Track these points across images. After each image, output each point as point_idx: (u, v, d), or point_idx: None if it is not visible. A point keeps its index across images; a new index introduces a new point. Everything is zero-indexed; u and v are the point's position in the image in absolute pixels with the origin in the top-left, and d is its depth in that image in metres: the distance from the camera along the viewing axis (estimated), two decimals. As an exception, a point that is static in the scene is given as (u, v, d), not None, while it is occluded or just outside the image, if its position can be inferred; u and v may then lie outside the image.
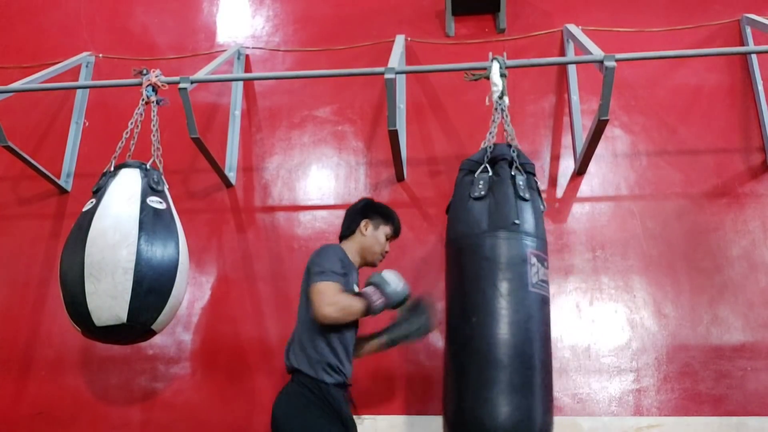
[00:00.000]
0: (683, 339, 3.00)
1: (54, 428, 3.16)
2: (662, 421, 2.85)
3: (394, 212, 2.60)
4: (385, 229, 2.54)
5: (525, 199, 2.40)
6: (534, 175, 2.54)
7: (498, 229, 2.35)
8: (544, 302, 2.35)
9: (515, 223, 2.33)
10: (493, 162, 2.51)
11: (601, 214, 3.27)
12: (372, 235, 2.51)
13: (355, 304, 2.25)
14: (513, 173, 2.45)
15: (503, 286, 2.27)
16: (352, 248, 2.50)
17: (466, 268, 2.41)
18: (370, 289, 2.30)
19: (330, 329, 2.28)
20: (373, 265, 2.54)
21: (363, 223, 2.51)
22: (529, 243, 2.34)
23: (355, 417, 2.90)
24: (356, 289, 2.39)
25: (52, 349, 3.29)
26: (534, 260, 2.33)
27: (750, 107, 3.40)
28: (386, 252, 2.57)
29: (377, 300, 2.28)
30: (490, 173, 2.48)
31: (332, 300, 2.19)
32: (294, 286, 3.17)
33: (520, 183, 2.43)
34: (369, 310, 2.27)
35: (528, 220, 2.37)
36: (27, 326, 3.35)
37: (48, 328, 3.32)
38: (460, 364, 2.32)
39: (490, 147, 2.55)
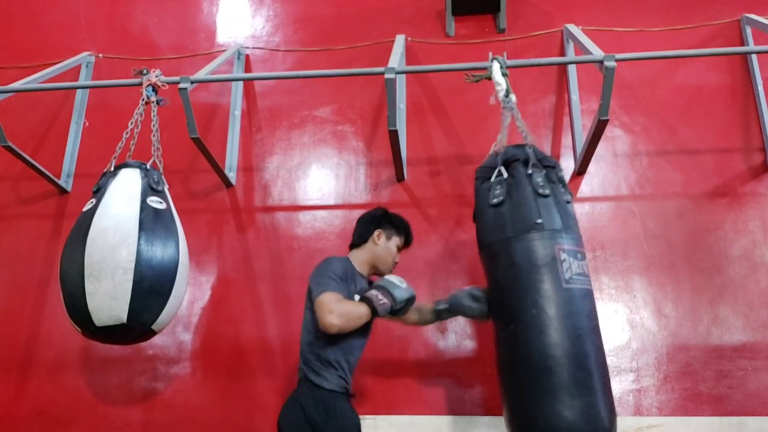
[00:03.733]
0: (683, 339, 3.00)
1: (54, 428, 3.16)
2: (662, 421, 2.85)
3: (407, 223, 2.61)
4: (397, 240, 2.54)
5: (545, 196, 2.36)
6: (554, 167, 2.49)
7: (520, 232, 2.32)
8: (584, 296, 2.29)
9: (538, 223, 2.30)
10: (507, 164, 2.48)
11: (602, 214, 3.27)
12: (384, 245, 2.50)
13: (357, 308, 2.25)
14: (530, 171, 2.41)
15: (536, 289, 2.24)
16: (362, 257, 2.50)
17: (497, 275, 2.39)
18: (372, 292, 2.29)
19: (336, 338, 2.28)
20: (381, 275, 2.52)
21: (376, 233, 2.51)
22: (557, 239, 2.29)
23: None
24: (356, 299, 2.38)
25: (52, 350, 3.29)
26: (564, 255, 2.28)
27: (750, 107, 3.40)
28: (396, 263, 2.56)
29: (381, 301, 2.26)
30: (506, 176, 2.45)
31: (331, 308, 2.18)
32: (294, 286, 3.19)
33: (539, 180, 2.39)
34: (374, 313, 2.26)
35: (551, 217, 2.33)
36: (27, 326, 3.35)
37: (48, 328, 3.32)
38: (513, 373, 2.28)
39: (501, 150, 2.53)
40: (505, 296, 2.32)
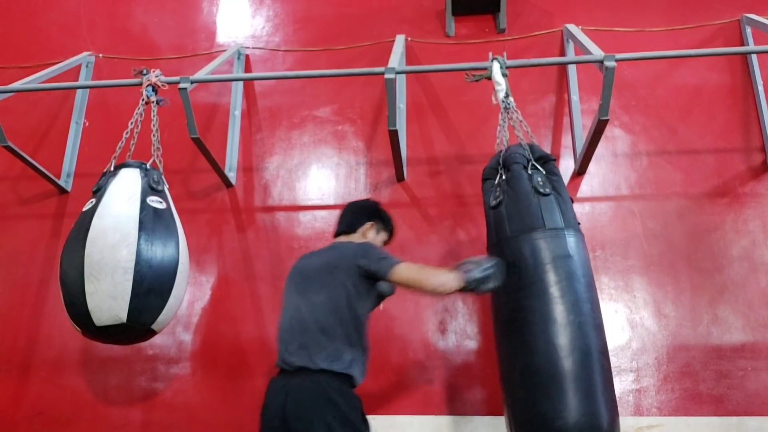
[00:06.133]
0: (683, 339, 3.00)
1: (54, 428, 3.15)
2: (662, 421, 2.85)
3: (391, 218, 2.58)
4: (383, 235, 2.52)
5: (546, 194, 2.36)
6: (553, 166, 2.49)
7: (521, 232, 2.32)
8: (588, 296, 2.28)
9: (540, 223, 2.29)
10: (507, 165, 2.49)
11: (602, 214, 3.27)
12: (373, 239, 2.47)
13: (448, 277, 2.13)
14: (530, 171, 2.42)
15: (537, 289, 2.24)
16: None
17: None
18: (468, 266, 2.15)
19: (361, 324, 2.22)
20: None
21: (368, 224, 2.47)
22: (559, 237, 2.28)
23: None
24: None
25: (52, 350, 3.28)
26: (567, 254, 2.27)
27: (750, 107, 3.40)
28: None
29: (476, 274, 2.12)
30: (504, 177, 2.46)
31: (420, 273, 2.14)
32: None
33: (539, 179, 2.39)
34: (466, 290, 2.14)
35: (553, 215, 2.32)
36: (27, 326, 3.34)
37: (48, 328, 3.32)
38: (515, 373, 2.26)
39: (502, 151, 2.54)
40: (509, 296, 2.31)
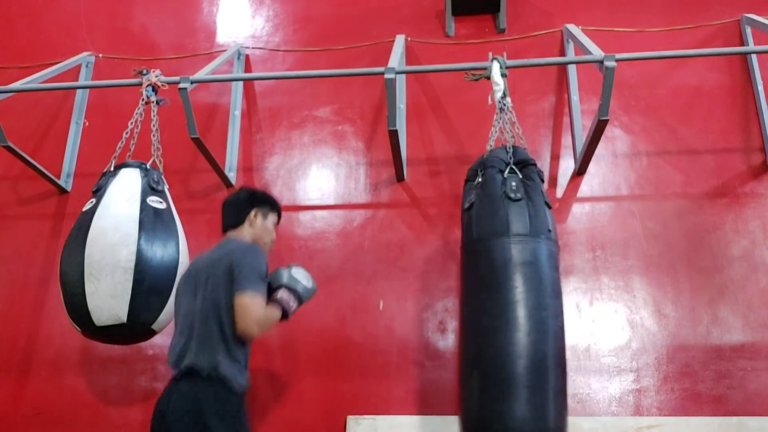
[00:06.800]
0: (683, 339, 3.00)
1: (54, 428, 3.16)
2: (662, 421, 2.85)
3: (274, 197, 2.54)
4: (273, 218, 2.45)
5: (515, 200, 2.35)
6: (532, 171, 2.49)
7: (488, 236, 2.34)
8: (549, 296, 2.28)
9: (506, 228, 2.30)
10: (484, 168, 2.50)
11: (601, 214, 3.27)
12: (262, 225, 2.40)
13: (275, 315, 2.20)
14: (506, 176, 2.42)
15: (494, 293, 2.26)
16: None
17: (466, 276, 2.43)
18: (284, 295, 2.23)
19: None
20: None
21: (252, 213, 2.39)
22: (525, 243, 2.29)
23: (355, 417, 2.93)
24: None
25: (52, 350, 3.28)
26: (533, 259, 2.28)
27: (750, 107, 3.40)
28: (274, 240, 2.47)
29: (293, 305, 2.24)
30: (480, 180, 2.47)
31: (260, 319, 2.10)
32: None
33: (512, 184, 2.39)
34: (284, 318, 2.23)
35: (519, 221, 2.32)
36: (27, 326, 3.34)
37: (48, 328, 3.32)
38: (469, 373, 2.29)
39: (485, 154, 2.56)
40: (472, 298, 2.35)
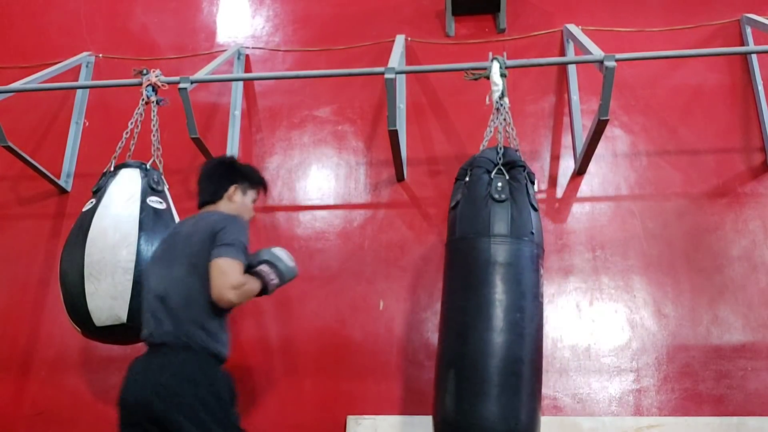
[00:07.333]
0: (683, 339, 3.00)
1: (54, 428, 3.16)
2: (662, 421, 2.85)
3: (259, 172, 2.43)
4: (252, 194, 2.35)
5: (499, 201, 2.35)
6: (520, 173, 2.47)
7: (467, 235, 2.35)
8: (525, 298, 2.28)
9: (486, 229, 2.30)
10: (472, 168, 2.51)
11: (601, 214, 3.27)
12: (242, 201, 2.30)
13: (254, 287, 2.10)
14: (492, 176, 2.41)
15: (470, 292, 2.27)
16: None
17: (446, 274, 2.45)
18: (265, 268, 2.14)
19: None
20: None
21: (232, 189, 2.28)
22: (506, 244, 2.29)
23: (355, 417, 2.93)
24: None
25: (52, 349, 3.29)
26: (511, 261, 2.28)
27: (750, 107, 3.40)
28: (253, 217, 2.37)
29: (273, 280, 2.15)
30: (468, 179, 2.48)
31: (236, 283, 1.99)
32: (294, 286, 3.18)
33: (498, 185, 2.38)
34: (264, 291, 2.15)
35: (500, 222, 2.31)
36: (27, 326, 3.35)
37: (48, 328, 3.32)
38: (444, 372, 2.31)
39: (476, 154, 2.57)
40: (450, 297, 2.37)
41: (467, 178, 2.48)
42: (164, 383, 1.94)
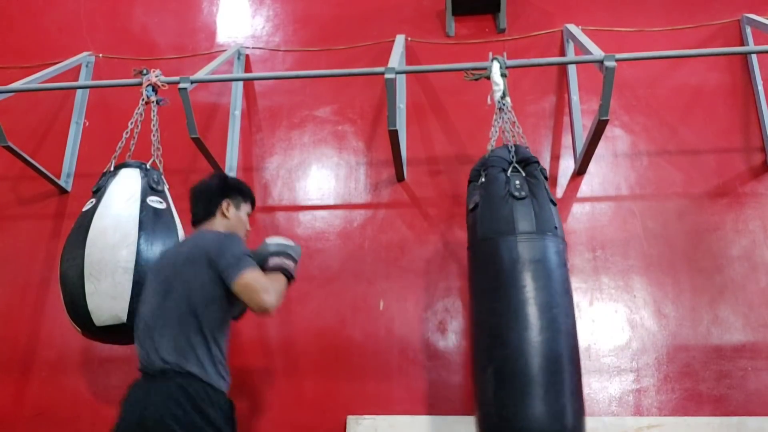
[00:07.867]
0: (683, 339, 3.00)
1: (54, 428, 3.15)
2: (662, 421, 2.85)
3: (247, 185, 2.44)
4: (246, 208, 2.37)
5: (520, 198, 2.34)
6: (535, 169, 2.48)
7: (491, 235, 2.32)
8: (559, 294, 2.26)
9: (512, 227, 2.29)
10: (486, 168, 2.50)
11: (602, 214, 3.27)
12: (235, 216, 2.31)
13: (281, 280, 2.13)
14: (509, 175, 2.41)
15: (503, 292, 2.24)
16: None
17: (472, 276, 2.43)
18: (276, 260, 2.16)
19: (222, 325, 2.10)
20: None
21: (224, 204, 2.29)
22: (531, 242, 2.28)
23: (355, 417, 2.93)
24: None
25: (53, 350, 3.28)
26: (541, 257, 2.27)
27: (750, 107, 3.40)
28: (249, 231, 2.39)
29: (290, 264, 2.18)
30: (483, 180, 2.47)
31: (266, 285, 2.01)
32: (294, 286, 3.17)
33: (516, 183, 2.38)
34: (290, 279, 2.17)
35: (525, 219, 2.31)
36: (27, 326, 3.34)
37: (48, 328, 3.32)
38: (484, 374, 2.27)
39: (487, 154, 2.56)
40: (482, 298, 2.34)
41: (482, 179, 2.46)
42: (154, 417, 1.95)
